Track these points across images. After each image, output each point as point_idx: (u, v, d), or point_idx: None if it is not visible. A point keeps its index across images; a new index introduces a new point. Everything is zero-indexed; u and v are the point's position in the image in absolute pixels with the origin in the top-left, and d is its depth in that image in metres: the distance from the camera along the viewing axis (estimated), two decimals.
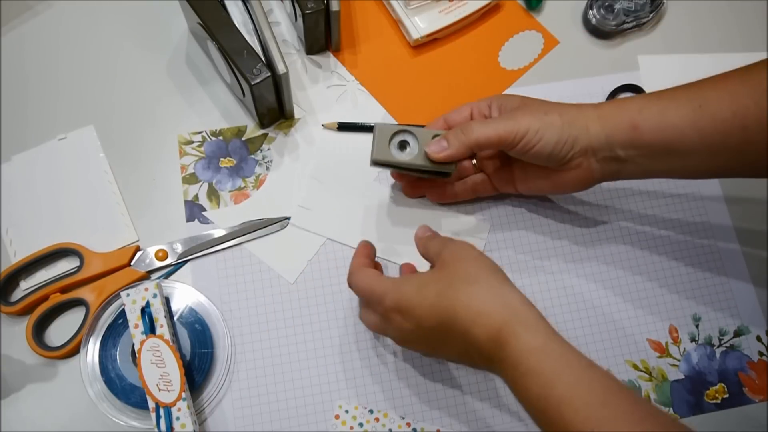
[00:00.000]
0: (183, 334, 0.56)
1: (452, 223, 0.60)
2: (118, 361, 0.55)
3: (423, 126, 0.56)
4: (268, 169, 0.62)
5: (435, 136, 0.52)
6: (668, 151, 0.48)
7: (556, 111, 0.50)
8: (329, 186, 0.61)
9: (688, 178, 0.52)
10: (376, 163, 0.53)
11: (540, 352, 0.41)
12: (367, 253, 0.54)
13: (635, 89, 0.65)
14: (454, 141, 0.51)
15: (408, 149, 0.53)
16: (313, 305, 0.58)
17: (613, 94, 0.65)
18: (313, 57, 0.66)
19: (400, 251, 0.59)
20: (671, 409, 0.56)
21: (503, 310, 0.43)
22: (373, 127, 0.53)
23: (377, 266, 0.55)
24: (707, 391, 0.57)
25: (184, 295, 0.57)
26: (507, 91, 0.65)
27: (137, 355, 0.52)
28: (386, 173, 0.62)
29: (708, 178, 0.50)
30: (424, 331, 0.46)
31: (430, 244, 0.51)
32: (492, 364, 0.43)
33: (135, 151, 0.62)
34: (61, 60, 0.65)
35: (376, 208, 0.61)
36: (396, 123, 0.63)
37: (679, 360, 0.58)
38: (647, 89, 0.65)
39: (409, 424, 0.55)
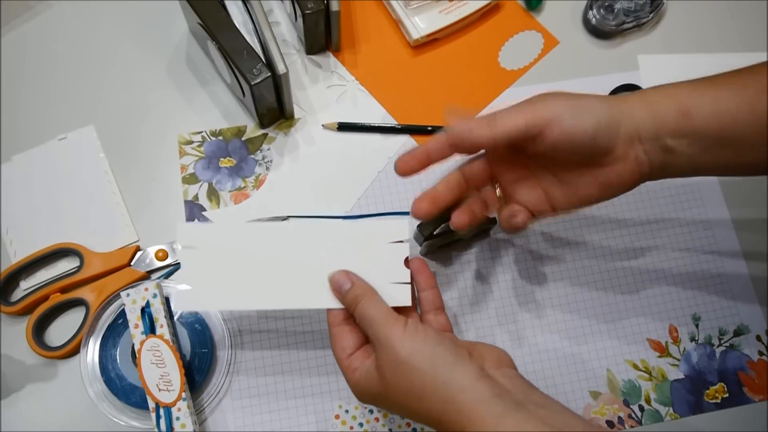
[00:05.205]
0: (183, 334, 0.56)
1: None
2: (118, 361, 0.55)
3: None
4: (268, 169, 0.62)
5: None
6: (723, 142, 0.43)
7: (593, 95, 0.44)
8: (218, 246, 0.48)
9: (740, 174, 0.47)
10: (421, 236, 0.51)
11: None
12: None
13: (635, 89, 0.65)
14: (477, 127, 0.44)
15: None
16: None
17: (613, 93, 0.65)
18: (313, 57, 0.66)
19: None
20: (671, 408, 0.56)
21: (458, 418, 0.40)
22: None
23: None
24: (707, 391, 0.57)
25: None
26: (507, 92, 0.65)
27: (137, 355, 0.52)
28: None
29: (763, 174, 0.46)
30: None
31: (356, 316, 0.46)
32: None
33: (135, 151, 0.62)
34: (61, 60, 0.65)
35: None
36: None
37: (679, 360, 0.58)
38: None
39: (409, 424, 0.55)
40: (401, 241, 0.49)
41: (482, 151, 0.49)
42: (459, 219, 0.49)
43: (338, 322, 0.47)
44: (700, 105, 0.43)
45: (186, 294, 0.48)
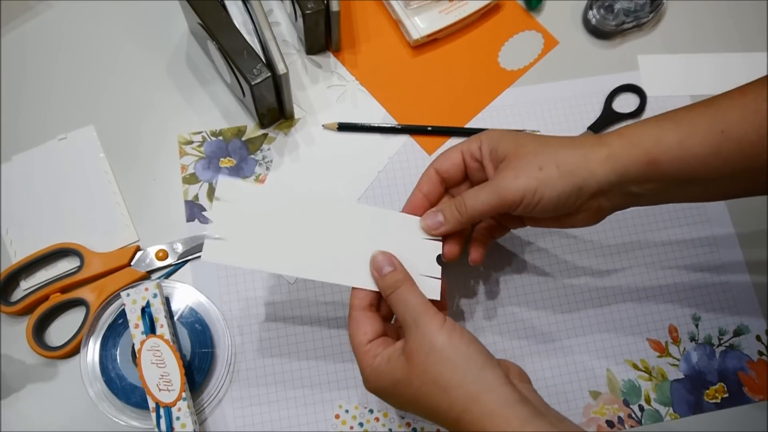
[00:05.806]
0: (183, 334, 0.56)
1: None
2: (118, 361, 0.55)
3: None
4: (268, 169, 0.62)
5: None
6: (688, 181, 0.45)
7: (553, 162, 0.45)
8: (256, 201, 0.48)
9: (703, 201, 0.49)
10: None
11: None
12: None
13: (635, 89, 0.65)
14: (450, 217, 0.48)
15: None
16: (313, 305, 0.58)
17: (613, 93, 0.65)
18: (313, 57, 0.66)
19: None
20: (671, 408, 0.56)
21: (481, 417, 0.41)
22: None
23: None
24: (707, 391, 0.57)
25: (185, 295, 0.57)
26: (507, 92, 0.65)
27: (137, 355, 0.52)
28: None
29: (723, 200, 0.47)
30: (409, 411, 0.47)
31: (393, 300, 0.46)
32: None
33: (135, 151, 0.62)
34: (62, 60, 0.65)
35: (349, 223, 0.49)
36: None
37: (678, 359, 0.58)
38: (647, 89, 0.65)
39: (409, 424, 0.55)
40: (437, 240, 0.50)
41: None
42: (451, 251, 0.50)
43: (363, 306, 0.47)
44: (666, 151, 0.44)
45: (216, 245, 0.46)
